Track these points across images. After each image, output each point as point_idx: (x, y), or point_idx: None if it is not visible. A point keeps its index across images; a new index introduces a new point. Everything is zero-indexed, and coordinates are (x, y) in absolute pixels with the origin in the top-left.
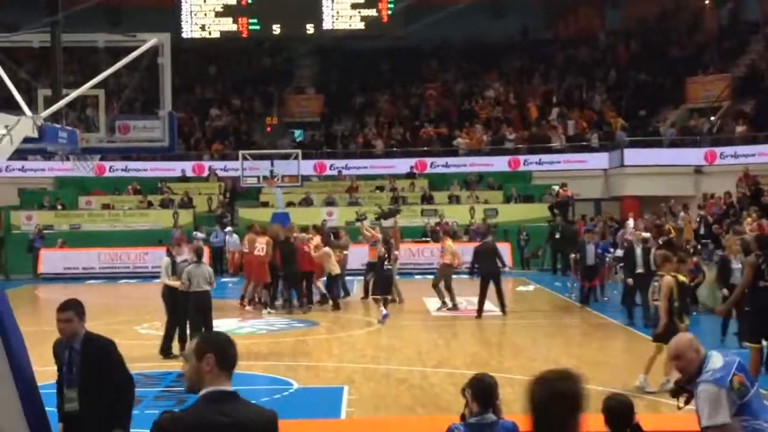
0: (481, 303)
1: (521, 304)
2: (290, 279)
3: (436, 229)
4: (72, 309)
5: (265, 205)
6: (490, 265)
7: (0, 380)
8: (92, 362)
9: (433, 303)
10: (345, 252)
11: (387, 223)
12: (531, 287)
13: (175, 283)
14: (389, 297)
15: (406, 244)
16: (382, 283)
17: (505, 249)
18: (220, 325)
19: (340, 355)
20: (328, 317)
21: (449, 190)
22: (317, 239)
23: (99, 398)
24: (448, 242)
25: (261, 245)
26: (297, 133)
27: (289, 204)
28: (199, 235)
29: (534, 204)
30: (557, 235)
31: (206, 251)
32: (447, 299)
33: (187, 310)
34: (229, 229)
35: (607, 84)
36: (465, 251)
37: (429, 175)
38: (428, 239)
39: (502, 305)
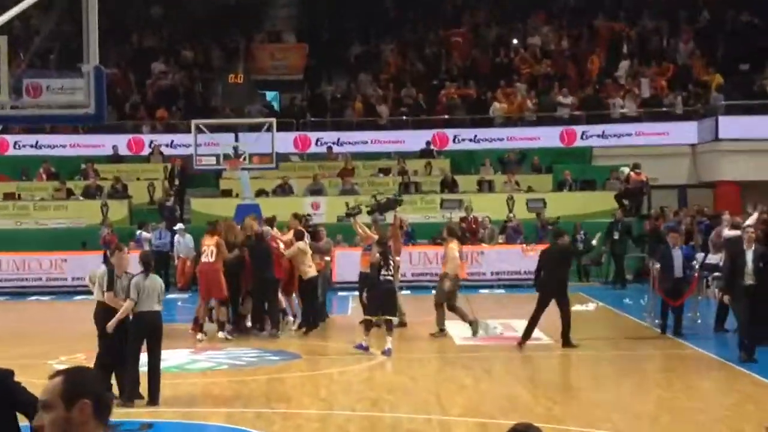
0: (530, 327)
1: (578, 329)
2: (263, 291)
3: (462, 226)
4: None
5: (227, 194)
6: (557, 276)
7: None
8: None
9: (456, 328)
10: (326, 258)
11: (384, 217)
12: (591, 306)
13: (119, 302)
14: (394, 319)
15: (418, 246)
16: (379, 299)
17: None
18: (167, 357)
19: (330, 399)
20: (311, 347)
21: (479, 174)
22: (289, 233)
23: None
24: (452, 245)
25: (210, 247)
26: (271, 95)
27: (260, 193)
28: (145, 235)
29: (595, 192)
30: (615, 235)
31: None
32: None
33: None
34: (180, 227)
35: (696, 28)
36: (502, 257)
37: (452, 153)
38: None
39: (565, 338)
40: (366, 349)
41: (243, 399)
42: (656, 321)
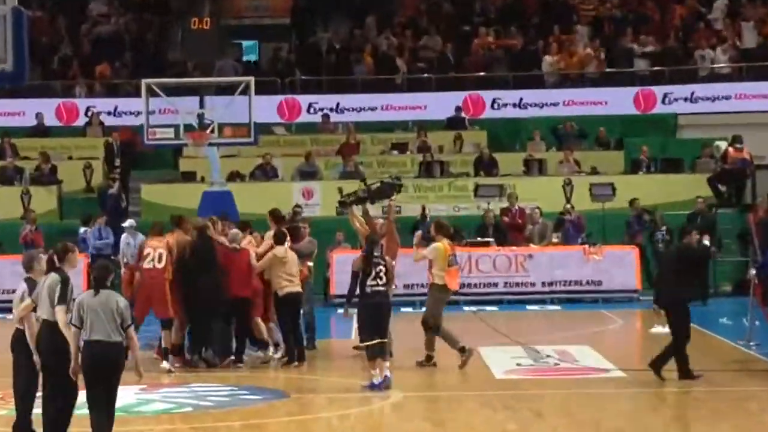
0: (679, 360)
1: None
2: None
3: (503, 220)
4: None
5: (189, 177)
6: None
7: None
8: None
9: (496, 357)
10: (309, 263)
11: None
12: None
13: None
14: (384, 342)
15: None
16: (366, 317)
17: (628, 255)
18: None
19: None
20: (300, 382)
21: (525, 150)
22: (267, 239)
23: None
24: (440, 246)
25: (157, 250)
26: (248, 46)
27: (234, 176)
28: (98, 238)
29: (682, 174)
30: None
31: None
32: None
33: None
34: (130, 223)
35: None
36: (557, 262)
37: (489, 123)
38: (488, 240)
39: (681, 369)
40: (380, 386)
41: None
42: (752, 344)
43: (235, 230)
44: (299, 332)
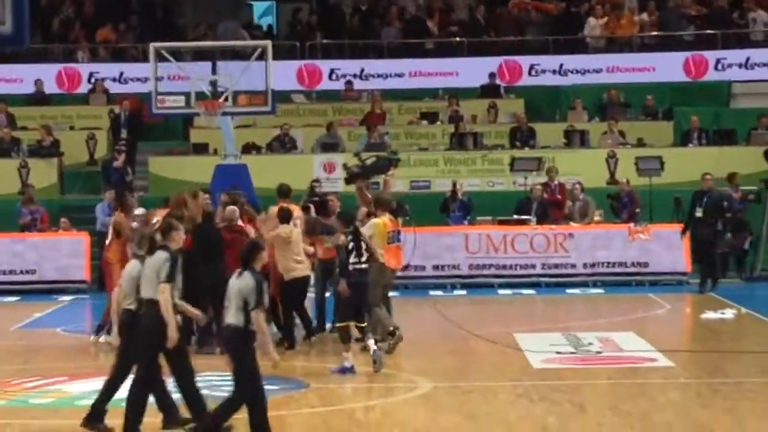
0: None
1: (711, 344)
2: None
3: (542, 196)
4: None
5: (201, 149)
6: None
7: None
8: None
9: (533, 344)
10: (340, 241)
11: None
12: (730, 313)
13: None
14: (362, 326)
15: (479, 226)
16: (347, 298)
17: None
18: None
19: None
20: (320, 371)
21: (566, 121)
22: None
23: None
24: (379, 221)
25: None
26: (263, 7)
27: (250, 149)
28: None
29: (736, 147)
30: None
31: None
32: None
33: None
34: (141, 212)
35: None
36: (599, 242)
37: (527, 91)
38: (527, 218)
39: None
40: (352, 370)
41: None
42: None
43: (231, 207)
44: (307, 317)
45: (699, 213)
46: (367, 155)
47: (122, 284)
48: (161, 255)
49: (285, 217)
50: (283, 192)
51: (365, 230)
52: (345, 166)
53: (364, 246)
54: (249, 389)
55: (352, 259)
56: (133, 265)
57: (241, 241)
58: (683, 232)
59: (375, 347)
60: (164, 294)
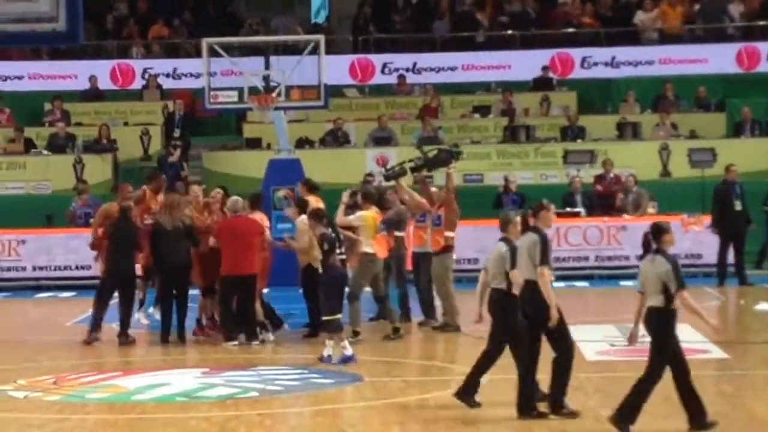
0: None
1: (766, 335)
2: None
3: (595, 188)
4: None
5: (254, 144)
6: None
7: None
8: None
9: (587, 336)
10: (399, 233)
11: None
12: None
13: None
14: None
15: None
16: (330, 291)
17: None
18: (170, 381)
19: None
20: (379, 365)
21: (618, 113)
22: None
23: None
24: (368, 214)
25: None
26: (317, 2)
27: (303, 143)
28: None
29: None
30: None
31: None
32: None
33: None
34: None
35: None
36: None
37: (579, 84)
38: (579, 210)
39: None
40: (352, 359)
41: None
42: None
43: (234, 197)
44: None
45: (738, 206)
46: (429, 148)
47: (489, 265)
48: (532, 237)
49: (303, 208)
50: (311, 186)
51: (353, 220)
52: (381, 164)
53: (342, 238)
54: (663, 368)
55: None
56: (499, 246)
57: (243, 237)
58: (714, 225)
59: (328, 350)
60: (543, 277)
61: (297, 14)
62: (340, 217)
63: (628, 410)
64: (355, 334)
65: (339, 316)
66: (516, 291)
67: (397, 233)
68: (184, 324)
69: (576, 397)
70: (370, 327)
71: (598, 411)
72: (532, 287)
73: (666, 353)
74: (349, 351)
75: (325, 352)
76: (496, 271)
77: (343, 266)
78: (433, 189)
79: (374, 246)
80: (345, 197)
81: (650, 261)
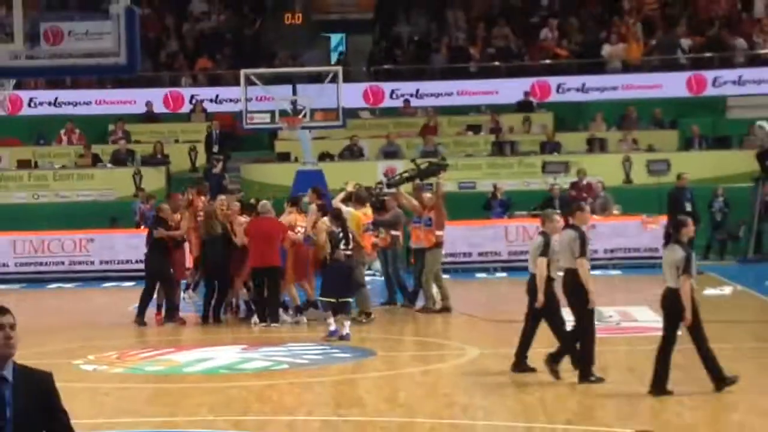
0: None
1: (711, 316)
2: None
3: (570, 193)
4: (11, 313)
5: (284, 158)
6: None
7: None
8: (31, 404)
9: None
10: (394, 232)
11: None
12: (728, 290)
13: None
14: (347, 300)
15: (516, 219)
16: (334, 277)
17: None
18: (214, 356)
19: (412, 404)
20: (389, 342)
21: (588, 130)
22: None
23: None
24: (355, 214)
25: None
26: (336, 39)
27: (324, 156)
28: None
29: (731, 151)
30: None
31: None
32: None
33: None
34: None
35: None
36: (617, 231)
37: (555, 106)
38: (556, 212)
39: None
40: (335, 334)
41: (307, 405)
42: None
43: (264, 201)
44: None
45: (688, 208)
46: (422, 161)
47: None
48: (571, 233)
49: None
50: (319, 193)
51: (344, 212)
52: (385, 174)
53: (351, 236)
54: (675, 334)
55: (342, 246)
56: (537, 238)
57: (265, 233)
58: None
59: (347, 331)
60: (583, 267)
61: (320, 50)
62: (336, 201)
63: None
64: (368, 315)
65: (333, 300)
66: (540, 279)
67: (393, 232)
68: (221, 308)
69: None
70: (382, 310)
71: (573, 378)
72: (572, 275)
73: (676, 324)
74: (333, 327)
75: (332, 328)
76: (532, 258)
77: (348, 259)
78: (427, 195)
79: (363, 241)
80: (350, 186)
81: (670, 250)
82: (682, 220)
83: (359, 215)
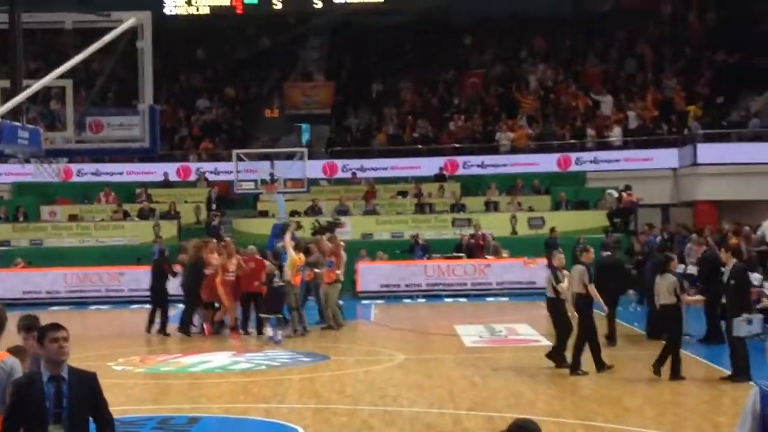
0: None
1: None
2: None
3: (471, 242)
4: (65, 328)
5: (264, 214)
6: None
7: None
8: (82, 396)
9: (467, 331)
10: (316, 270)
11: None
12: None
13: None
14: (279, 316)
15: (433, 260)
16: (273, 300)
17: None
18: (211, 359)
19: (355, 395)
20: (339, 350)
21: (485, 196)
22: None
23: None
24: (295, 258)
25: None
26: (303, 128)
27: (293, 213)
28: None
29: (588, 211)
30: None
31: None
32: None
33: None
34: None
35: (678, 66)
36: (506, 269)
37: (461, 178)
38: (461, 255)
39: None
40: (275, 339)
41: (279, 396)
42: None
43: (251, 246)
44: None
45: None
46: (324, 220)
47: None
48: (580, 267)
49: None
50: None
51: (289, 255)
52: (312, 225)
53: (286, 270)
54: (680, 335)
55: (275, 279)
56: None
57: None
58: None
59: (271, 333)
60: (593, 289)
61: (292, 135)
62: (288, 248)
63: (675, 368)
64: (304, 330)
65: (275, 316)
66: (568, 297)
67: (316, 270)
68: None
69: (459, 370)
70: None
71: (473, 377)
72: (583, 297)
73: (678, 328)
74: (278, 336)
75: (268, 335)
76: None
77: (282, 287)
78: (328, 244)
79: (293, 278)
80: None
81: (662, 277)
82: (670, 256)
83: (295, 259)
